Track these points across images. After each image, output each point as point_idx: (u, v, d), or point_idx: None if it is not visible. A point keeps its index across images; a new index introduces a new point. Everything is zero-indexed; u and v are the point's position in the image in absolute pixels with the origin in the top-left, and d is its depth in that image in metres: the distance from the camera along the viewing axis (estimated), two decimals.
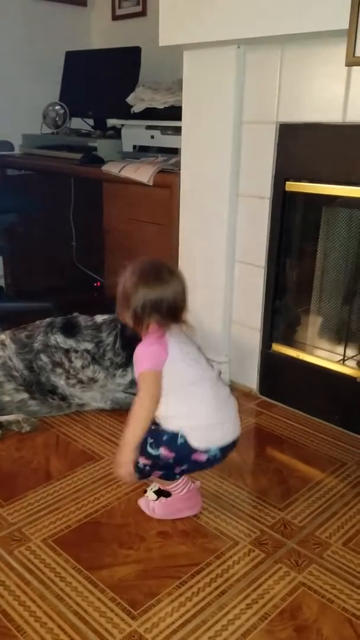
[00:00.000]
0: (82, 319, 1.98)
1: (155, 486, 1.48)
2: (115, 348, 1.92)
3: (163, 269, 1.36)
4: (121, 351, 1.91)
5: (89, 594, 1.23)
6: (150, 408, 1.33)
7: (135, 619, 1.17)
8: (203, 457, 1.36)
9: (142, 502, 1.49)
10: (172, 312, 1.34)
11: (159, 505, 1.46)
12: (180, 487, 1.44)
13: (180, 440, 1.34)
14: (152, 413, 1.33)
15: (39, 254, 3.09)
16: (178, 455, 1.36)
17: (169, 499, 1.45)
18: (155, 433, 1.36)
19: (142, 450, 1.36)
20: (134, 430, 1.33)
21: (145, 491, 1.50)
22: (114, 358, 1.92)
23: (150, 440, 1.37)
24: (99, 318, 1.98)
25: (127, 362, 1.92)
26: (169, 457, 1.36)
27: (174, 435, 1.35)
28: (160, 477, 1.42)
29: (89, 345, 1.91)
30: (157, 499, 1.46)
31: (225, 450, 1.39)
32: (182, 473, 1.42)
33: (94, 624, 1.16)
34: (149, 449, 1.36)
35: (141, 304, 1.31)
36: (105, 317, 1.98)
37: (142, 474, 1.41)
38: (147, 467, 1.39)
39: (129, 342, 1.90)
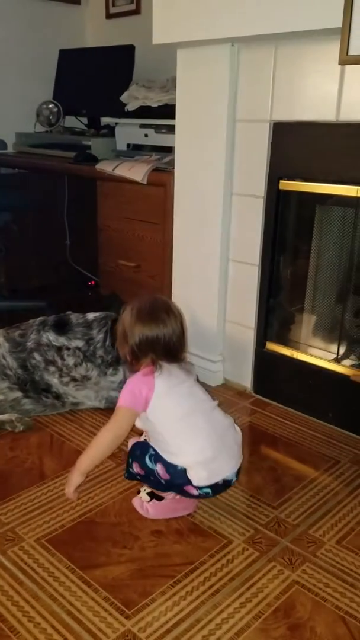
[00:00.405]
0: (74, 317, 1.97)
1: (148, 488, 1.48)
2: (105, 346, 1.91)
3: (161, 308, 1.39)
4: (111, 349, 1.91)
5: (83, 593, 1.22)
6: (111, 443, 1.38)
7: (129, 618, 1.17)
8: (194, 492, 1.37)
9: (136, 502, 1.49)
10: (168, 351, 1.36)
11: (153, 505, 1.45)
12: (172, 494, 1.44)
13: (179, 467, 1.35)
14: (112, 448, 1.39)
15: (33, 252, 3.08)
16: (172, 479, 1.36)
17: (164, 501, 1.45)
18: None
19: (139, 458, 1.37)
20: (89, 457, 1.39)
21: (139, 491, 1.50)
22: (104, 356, 1.91)
23: (151, 452, 1.38)
24: (91, 315, 1.97)
25: (118, 360, 1.92)
26: (162, 477, 1.36)
27: None
28: (147, 484, 1.44)
29: (80, 343, 1.91)
30: (150, 500, 1.46)
31: (217, 488, 1.38)
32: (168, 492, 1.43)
33: (88, 623, 1.15)
34: (147, 461, 1.37)
35: (137, 342, 1.35)
36: (97, 314, 1.98)
37: (132, 478, 1.43)
38: (138, 476, 1.40)
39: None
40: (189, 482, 1.35)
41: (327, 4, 1.52)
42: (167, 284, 2.29)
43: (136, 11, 2.94)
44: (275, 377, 2.06)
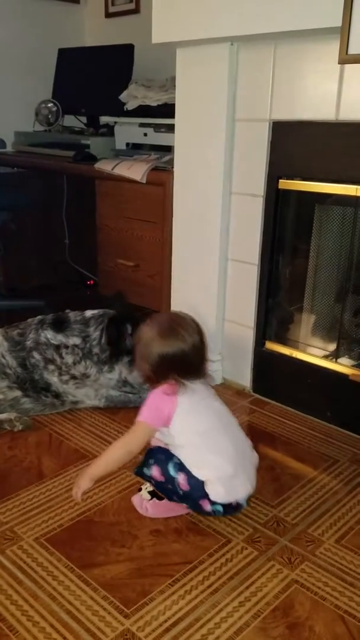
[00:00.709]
0: (72, 314, 1.97)
1: (150, 486, 1.47)
2: (101, 343, 1.91)
3: (180, 324, 1.38)
4: (107, 347, 1.90)
5: (82, 592, 1.22)
6: (125, 456, 1.40)
7: (127, 617, 1.17)
8: (208, 507, 1.36)
9: (135, 500, 1.49)
10: (189, 367, 1.36)
11: (152, 504, 1.45)
12: None
13: (200, 480, 1.35)
14: (124, 461, 1.41)
15: (32, 252, 3.08)
16: (191, 491, 1.35)
17: (164, 501, 1.45)
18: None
19: (162, 463, 1.36)
20: (102, 465, 1.41)
21: (140, 489, 1.50)
22: (100, 354, 1.91)
23: (176, 460, 1.37)
24: (89, 313, 1.97)
25: (112, 359, 1.91)
26: (182, 487, 1.35)
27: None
28: (156, 488, 1.42)
29: (77, 340, 1.91)
30: (151, 499, 1.46)
31: (228, 509, 1.38)
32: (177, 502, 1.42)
33: (87, 622, 1.15)
34: (170, 468, 1.36)
35: (158, 359, 1.34)
36: (95, 312, 1.97)
37: (142, 476, 1.41)
38: (153, 480, 1.39)
39: (113, 338, 1.89)
40: (206, 496, 1.35)
41: (327, 3, 1.52)
42: (166, 283, 2.29)
43: (135, 10, 2.94)
44: (274, 376, 2.06)
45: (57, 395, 1.93)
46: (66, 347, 1.90)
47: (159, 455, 1.40)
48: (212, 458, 1.36)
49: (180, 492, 1.36)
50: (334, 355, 1.96)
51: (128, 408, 1.99)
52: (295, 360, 1.99)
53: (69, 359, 1.90)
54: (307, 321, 2.09)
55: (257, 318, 2.05)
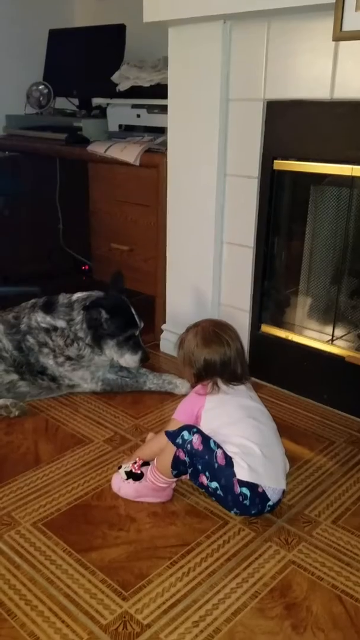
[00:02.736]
0: (61, 297, 1.96)
1: (128, 466, 1.47)
2: (83, 327, 1.89)
3: (222, 330, 1.49)
4: (87, 331, 1.89)
5: (80, 576, 1.23)
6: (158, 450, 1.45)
7: (126, 599, 1.17)
8: (237, 488, 1.34)
9: (114, 477, 1.49)
10: (233, 372, 1.46)
11: (127, 486, 1.45)
12: (161, 483, 1.42)
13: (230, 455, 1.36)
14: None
15: (25, 238, 3.05)
16: (225, 466, 1.34)
17: (138, 484, 1.44)
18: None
19: (205, 437, 1.36)
20: (146, 452, 1.50)
21: (119, 467, 1.50)
22: (84, 338, 1.89)
23: (214, 439, 1.38)
24: (75, 296, 1.95)
25: (95, 342, 1.90)
26: (219, 461, 1.34)
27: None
28: (173, 465, 1.39)
29: (63, 324, 1.89)
30: (126, 479, 1.45)
31: (255, 499, 1.34)
32: (200, 485, 1.40)
33: (85, 605, 1.16)
34: (211, 442, 1.36)
35: (204, 364, 1.45)
36: (81, 294, 1.95)
37: (181, 439, 1.37)
38: (189, 447, 1.35)
39: (92, 323, 1.88)
40: (235, 474, 1.34)
41: None
42: (160, 268, 2.27)
43: None
44: (271, 360, 2.06)
45: (53, 379, 1.92)
46: (55, 329, 1.89)
47: (201, 432, 1.39)
48: (239, 440, 1.37)
49: (216, 465, 1.34)
50: (330, 338, 1.96)
51: (125, 393, 1.98)
52: (292, 343, 1.98)
53: (60, 341, 1.88)
54: (303, 304, 2.08)
55: (253, 301, 2.04)
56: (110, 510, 1.42)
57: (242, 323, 2.08)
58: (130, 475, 1.45)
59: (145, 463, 1.47)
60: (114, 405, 1.92)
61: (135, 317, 1.94)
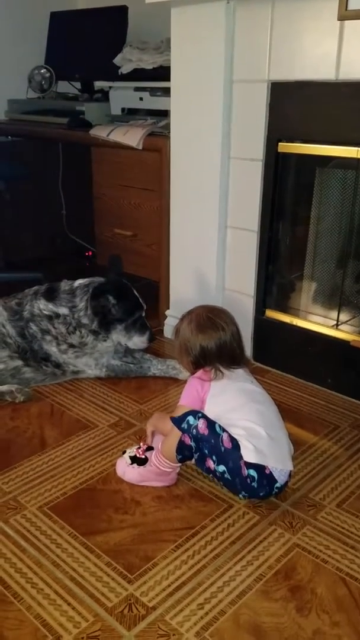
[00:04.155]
0: (63, 284, 1.95)
1: (132, 451, 1.48)
2: (87, 314, 1.88)
3: (217, 315, 1.49)
4: (93, 317, 1.87)
5: (85, 559, 1.23)
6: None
7: (131, 582, 1.18)
8: (245, 470, 1.34)
9: (119, 462, 1.50)
10: (231, 356, 1.46)
11: (131, 470, 1.46)
12: (166, 467, 1.42)
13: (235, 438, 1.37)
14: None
15: (28, 223, 3.04)
16: (232, 449, 1.34)
17: (142, 469, 1.45)
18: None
19: (210, 421, 1.36)
20: (159, 427, 1.49)
21: (124, 452, 1.50)
22: (89, 324, 1.88)
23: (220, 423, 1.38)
24: (77, 282, 1.94)
25: (102, 328, 1.89)
26: (225, 444, 1.34)
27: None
28: (178, 450, 1.39)
29: (65, 311, 1.89)
30: (130, 464, 1.46)
31: (263, 481, 1.34)
32: (207, 470, 1.40)
33: (91, 588, 1.17)
34: (217, 426, 1.36)
35: (200, 351, 1.45)
36: (82, 281, 1.94)
37: (178, 424, 1.37)
38: (194, 432, 1.35)
39: (98, 310, 1.87)
40: (242, 456, 1.34)
41: None
42: (164, 253, 2.26)
43: None
44: (275, 345, 2.05)
45: (57, 365, 1.92)
46: (57, 316, 1.88)
47: (206, 416, 1.39)
48: (243, 423, 1.38)
49: (222, 449, 1.34)
50: (335, 322, 1.95)
51: (129, 378, 1.99)
52: (296, 328, 1.97)
53: (62, 328, 1.88)
54: (307, 288, 2.07)
55: (257, 286, 2.03)
56: (116, 494, 1.43)
57: (246, 308, 2.07)
58: (134, 460, 1.46)
59: (150, 448, 1.47)
60: (118, 390, 1.92)
61: (139, 298, 1.94)
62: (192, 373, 1.51)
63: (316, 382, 1.95)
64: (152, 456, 1.44)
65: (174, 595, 1.15)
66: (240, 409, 1.41)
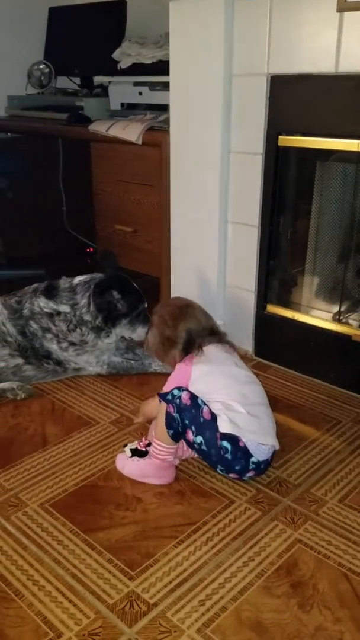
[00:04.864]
0: (62, 281, 1.94)
1: (134, 444, 1.50)
2: (90, 311, 1.88)
3: (182, 303, 1.58)
4: (96, 313, 1.87)
5: (87, 556, 1.23)
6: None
7: (132, 579, 1.18)
8: (218, 441, 1.36)
9: (119, 456, 1.51)
10: (210, 330, 1.53)
11: (131, 463, 1.47)
12: (162, 453, 1.42)
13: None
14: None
15: (29, 220, 3.02)
16: (211, 421, 1.37)
17: (142, 461, 1.45)
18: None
19: (193, 394, 1.39)
20: (146, 412, 1.58)
21: (125, 445, 1.52)
22: (92, 321, 1.87)
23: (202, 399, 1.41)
24: (77, 279, 1.94)
25: (107, 323, 1.88)
26: (205, 416, 1.38)
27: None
28: (167, 424, 1.40)
29: (67, 308, 1.88)
30: (131, 457, 1.47)
31: (237, 452, 1.37)
32: (188, 443, 1.42)
33: (92, 585, 1.16)
34: (199, 399, 1.40)
35: (185, 337, 1.50)
36: (82, 277, 1.93)
37: (164, 399, 1.40)
38: (177, 401, 1.38)
39: (103, 306, 1.86)
40: (217, 428, 1.37)
41: None
42: (165, 249, 2.25)
43: None
44: (276, 340, 2.05)
45: (58, 363, 1.92)
46: (58, 314, 1.88)
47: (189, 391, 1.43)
48: (222, 398, 1.42)
49: (201, 420, 1.37)
50: (337, 317, 1.94)
51: (130, 375, 1.98)
52: (298, 323, 1.97)
53: (63, 326, 1.88)
54: (309, 283, 2.06)
55: (258, 281, 2.02)
56: (117, 490, 1.42)
57: (247, 303, 2.06)
58: (135, 452, 1.47)
59: (150, 444, 1.47)
60: (119, 387, 1.92)
61: (140, 291, 1.94)
62: (179, 361, 1.52)
63: (318, 377, 1.94)
64: (151, 447, 1.44)
65: (175, 592, 1.15)
66: (223, 390, 1.44)
